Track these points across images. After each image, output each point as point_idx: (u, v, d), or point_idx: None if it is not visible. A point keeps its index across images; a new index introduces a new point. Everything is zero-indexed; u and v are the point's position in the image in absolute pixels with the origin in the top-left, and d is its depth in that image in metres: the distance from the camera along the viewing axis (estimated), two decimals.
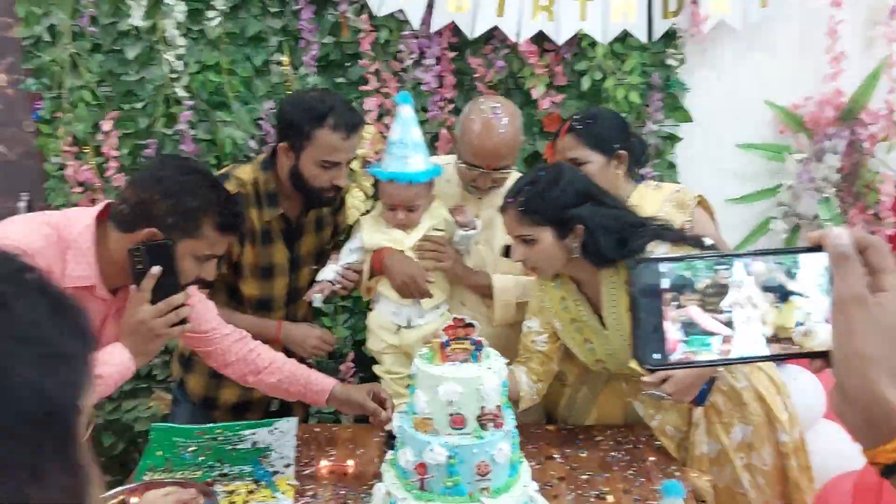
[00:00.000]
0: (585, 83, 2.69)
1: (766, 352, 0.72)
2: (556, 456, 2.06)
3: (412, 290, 2.18)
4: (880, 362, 0.63)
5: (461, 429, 1.66)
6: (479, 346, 1.76)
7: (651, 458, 2.04)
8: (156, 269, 1.63)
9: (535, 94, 2.70)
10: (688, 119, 2.76)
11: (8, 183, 3.06)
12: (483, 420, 1.67)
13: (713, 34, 2.69)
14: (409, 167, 2.09)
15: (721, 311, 0.71)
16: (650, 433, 2.13)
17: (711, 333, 0.71)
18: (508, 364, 2.00)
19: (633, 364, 1.78)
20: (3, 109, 2.98)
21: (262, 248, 2.20)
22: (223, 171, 2.21)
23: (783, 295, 0.72)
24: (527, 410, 2.45)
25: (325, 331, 2.33)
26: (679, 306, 0.71)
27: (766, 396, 2.08)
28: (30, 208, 3.07)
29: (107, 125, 2.77)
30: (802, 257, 0.72)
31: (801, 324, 0.71)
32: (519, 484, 1.72)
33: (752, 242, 2.87)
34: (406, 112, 2.08)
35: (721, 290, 0.71)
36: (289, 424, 2.14)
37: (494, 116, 2.15)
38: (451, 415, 1.66)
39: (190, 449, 2.00)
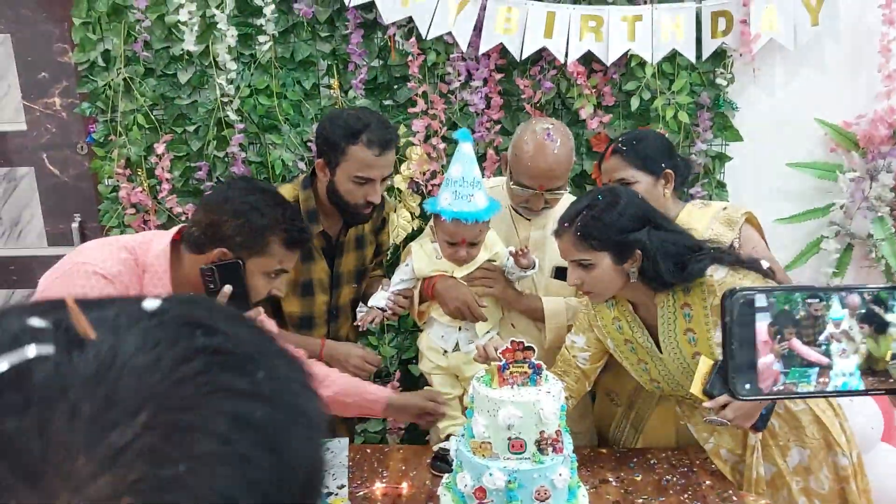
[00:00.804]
0: (634, 103, 2.68)
1: (862, 385, 0.72)
2: (610, 479, 2.05)
3: (465, 315, 2.18)
4: None
5: (520, 453, 1.66)
6: (537, 369, 1.76)
7: (707, 482, 2.01)
8: (227, 289, 1.67)
9: (583, 114, 2.69)
10: (738, 138, 2.74)
11: (62, 204, 3.13)
12: (542, 444, 1.67)
13: (763, 52, 2.66)
14: (474, 206, 2.10)
15: (819, 344, 0.72)
16: (705, 455, 2.11)
17: (811, 365, 0.72)
18: None
19: (694, 389, 1.76)
20: (57, 132, 3.05)
21: (303, 265, 2.23)
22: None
23: (879, 326, 0.72)
24: (579, 433, 2.45)
25: (368, 350, 2.34)
26: (779, 338, 0.71)
27: (824, 419, 2.04)
28: (82, 230, 3.14)
29: (160, 148, 2.81)
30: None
31: None
32: None
33: (803, 262, 2.83)
34: (466, 149, 2.09)
35: (818, 322, 0.72)
36: (340, 445, 2.15)
37: (548, 137, 2.16)
38: (510, 439, 1.66)
39: None
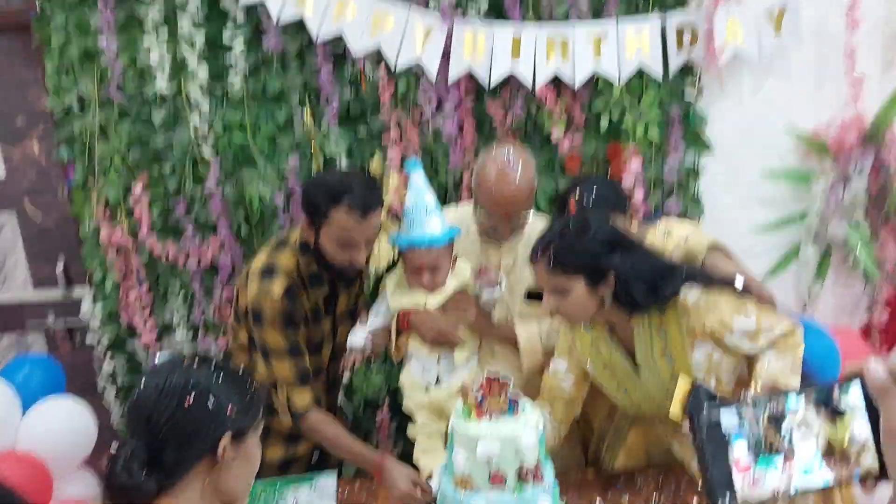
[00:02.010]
0: (604, 122, 2.70)
1: (824, 466, 0.78)
2: (598, 502, 2.06)
3: (443, 342, 2.19)
4: None
5: (501, 485, 1.67)
6: (514, 404, 1.77)
7: (694, 501, 2.02)
8: None
9: (554, 136, 2.71)
10: (709, 150, 2.76)
11: (46, 248, 3.14)
12: (523, 475, 1.68)
13: (730, 64, 2.69)
14: (427, 232, 2.12)
15: (782, 434, 0.78)
16: (690, 475, 2.12)
17: (776, 453, 0.78)
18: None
19: (674, 411, 1.77)
20: (37, 178, 3.06)
21: (314, 326, 2.23)
22: (266, 263, 2.16)
23: (835, 412, 0.78)
24: (567, 455, 2.46)
25: (422, 482, 2.12)
26: (744, 437, 0.78)
27: None
28: (66, 272, 3.15)
29: (137, 189, 2.83)
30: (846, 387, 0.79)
31: (853, 441, 0.78)
32: None
33: (783, 269, 2.85)
34: (417, 179, 2.11)
35: (779, 416, 0.78)
36: (328, 480, 2.16)
37: (508, 164, 2.18)
38: (491, 472, 1.67)
39: None
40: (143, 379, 1.48)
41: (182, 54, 2.72)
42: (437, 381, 2.23)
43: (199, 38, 2.71)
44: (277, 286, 2.10)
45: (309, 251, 2.18)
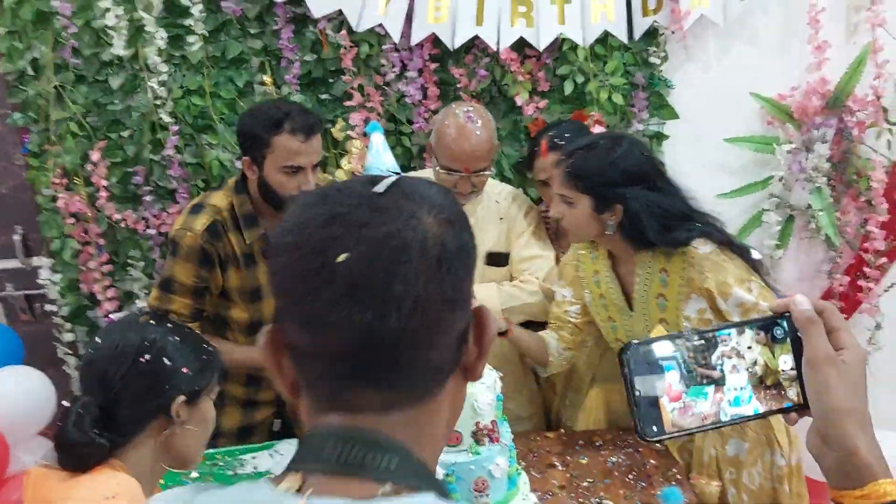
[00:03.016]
0: (568, 87, 2.68)
1: (754, 398, 0.79)
2: (556, 464, 2.06)
3: None
4: (852, 413, 0.73)
5: (457, 446, 1.66)
6: None
7: (652, 462, 2.03)
8: None
9: (518, 100, 2.69)
10: (674, 116, 2.75)
11: (2, 217, 3.07)
12: (478, 436, 1.67)
13: (695, 30, 2.67)
14: None
15: (712, 364, 0.78)
16: None
17: (708, 383, 0.78)
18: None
19: None
20: None
21: (247, 271, 2.20)
22: (196, 201, 2.23)
23: (775, 337, 0.79)
24: (527, 417, 2.47)
25: None
26: (675, 368, 0.77)
27: (770, 417, 2.02)
28: (24, 241, 3.09)
29: (95, 155, 2.77)
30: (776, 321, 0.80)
31: (783, 373, 0.79)
32: (518, 497, 1.73)
33: (746, 235, 2.86)
34: (376, 139, 2.10)
35: (711, 345, 0.78)
36: (290, 447, 2.14)
37: (469, 120, 2.20)
38: None
39: (192, 476, 2.01)
40: (99, 336, 1.47)
41: (139, 16, 2.65)
42: None
43: (157, 1, 2.65)
44: (200, 221, 2.12)
45: (244, 191, 2.18)
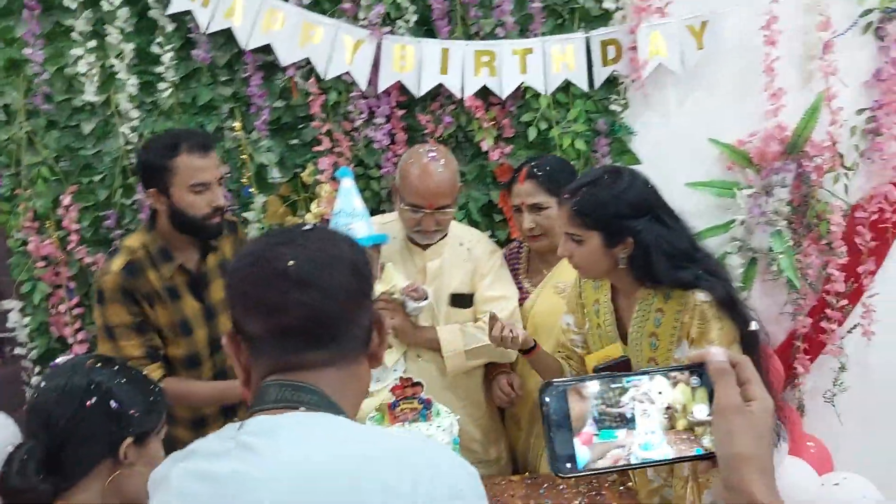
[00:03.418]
0: (532, 133, 2.74)
1: (664, 441, 0.81)
2: None
3: None
4: (753, 461, 0.77)
5: None
6: (427, 404, 1.78)
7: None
8: None
9: (484, 146, 2.75)
10: (636, 162, 2.80)
11: None
12: None
13: (654, 77, 2.75)
14: (353, 234, 2.13)
15: (621, 405, 0.81)
16: (613, 478, 2.13)
17: (619, 426, 0.81)
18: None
19: (589, 363, 1.79)
20: None
21: (173, 305, 2.22)
22: (113, 246, 2.33)
23: (680, 392, 0.83)
24: (490, 461, 2.47)
25: None
26: (590, 409, 0.81)
27: None
28: None
29: (66, 199, 2.80)
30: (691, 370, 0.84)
31: (695, 420, 0.82)
32: None
33: None
34: (346, 184, 2.14)
35: (624, 390, 0.81)
36: None
37: (432, 159, 2.28)
38: None
39: None
40: (44, 379, 1.47)
41: (111, 63, 2.70)
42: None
43: (129, 48, 2.70)
44: (116, 263, 2.15)
45: (154, 228, 2.22)
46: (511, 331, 2.03)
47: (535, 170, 2.36)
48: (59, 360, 1.56)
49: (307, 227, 1.07)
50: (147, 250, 2.19)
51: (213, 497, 0.89)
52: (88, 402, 1.40)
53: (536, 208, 2.35)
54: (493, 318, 2.07)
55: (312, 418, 0.95)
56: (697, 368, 0.83)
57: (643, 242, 1.80)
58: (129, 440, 1.42)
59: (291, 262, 0.98)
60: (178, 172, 2.11)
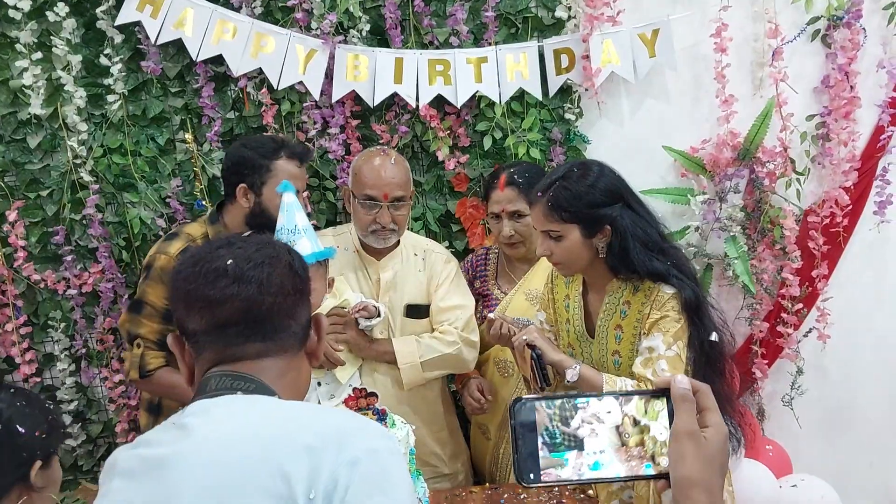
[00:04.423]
0: (487, 143, 2.74)
1: (615, 460, 0.84)
2: None
3: (323, 362, 2.17)
4: (701, 484, 0.80)
5: None
6: (382, 415, 1.75)
7: None
8: None
9: (440, 155, 2.74)
10: None
11: None
12: None
13: (608, 86, 2.77)
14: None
15: (571, 427, 0.85)
16: (574, 486, 2.12)
17: (569, 448, 0.84)
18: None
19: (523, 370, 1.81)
20: None
21: None
22: (172, 231, 2.31)
23: (635, 416, 0.86)
24: (451, 474, 2.45)
25: None
26: (546, 430, 0.85)
27: None
28: None
29: (12, 215, 2.72)
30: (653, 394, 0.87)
31: (650, 441, 0.85)
32: None
33: None
34: (288, 199, 2.11)
35: (575, 410, 0.85)
36: None
37: (384, 153, 2.33)
38: None
39: None
40: None
41: (58, 76, 2.65)
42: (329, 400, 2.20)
43: (76, 60, 2.65)
44: (175, 246, 2.19)
45: (219, 222, 2.27)
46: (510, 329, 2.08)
47: (514, 176, 2.35)
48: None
49: (247, 234, 1.16)
50: (207, 241, 2.17)
51: (147, 472, 0.97)
52: None
53: (517, 215, 2.35)
54: (490, 321, 2.13)
55: (247, 399, 1.03)
56: (662, 393, 0.86)
57: (620, 228, 1.84)
58: (38, 464, 1.38)
59: (230, 262, 1.07)
60: (275, 175, 2.19)
